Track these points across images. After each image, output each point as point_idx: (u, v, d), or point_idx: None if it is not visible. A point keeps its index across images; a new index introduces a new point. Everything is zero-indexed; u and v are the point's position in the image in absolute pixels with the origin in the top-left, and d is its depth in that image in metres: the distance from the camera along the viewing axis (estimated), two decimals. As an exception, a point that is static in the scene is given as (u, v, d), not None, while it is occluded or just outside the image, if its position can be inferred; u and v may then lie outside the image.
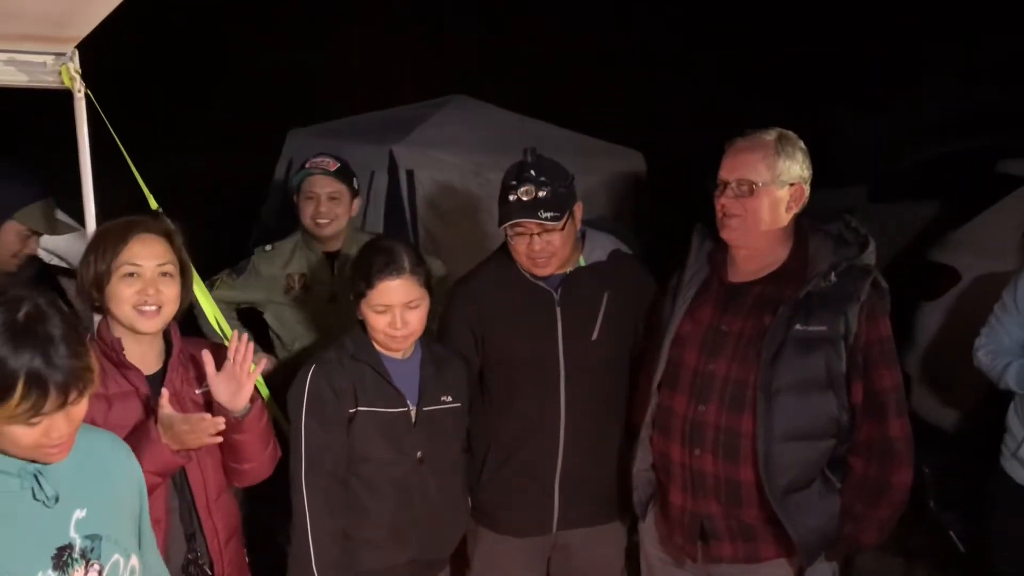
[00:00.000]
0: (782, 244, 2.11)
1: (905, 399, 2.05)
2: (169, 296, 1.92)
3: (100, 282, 1.88)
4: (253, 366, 1.94)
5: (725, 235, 2.10)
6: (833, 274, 2.01)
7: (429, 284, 2.18)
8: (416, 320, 2.13)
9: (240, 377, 1.91)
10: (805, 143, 2.12)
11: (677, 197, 5.09)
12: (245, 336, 1.93)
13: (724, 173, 2.09)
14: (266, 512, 2.44)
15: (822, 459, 2.05)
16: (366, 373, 2.14)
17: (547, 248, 2.23)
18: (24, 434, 1.38)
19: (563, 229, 2.23)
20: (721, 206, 2.09)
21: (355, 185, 3.00)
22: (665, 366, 2.14)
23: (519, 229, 2.23)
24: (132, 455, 1.65)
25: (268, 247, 3.03)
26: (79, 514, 1.48)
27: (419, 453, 2.16)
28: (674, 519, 2.16)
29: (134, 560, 1.56)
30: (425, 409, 2.18)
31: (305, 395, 2.10)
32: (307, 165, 2.97)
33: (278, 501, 2.20)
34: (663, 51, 9.58)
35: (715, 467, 2.05)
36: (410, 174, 4.56)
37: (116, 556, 1.52)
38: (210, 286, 2.84)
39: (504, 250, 2.38)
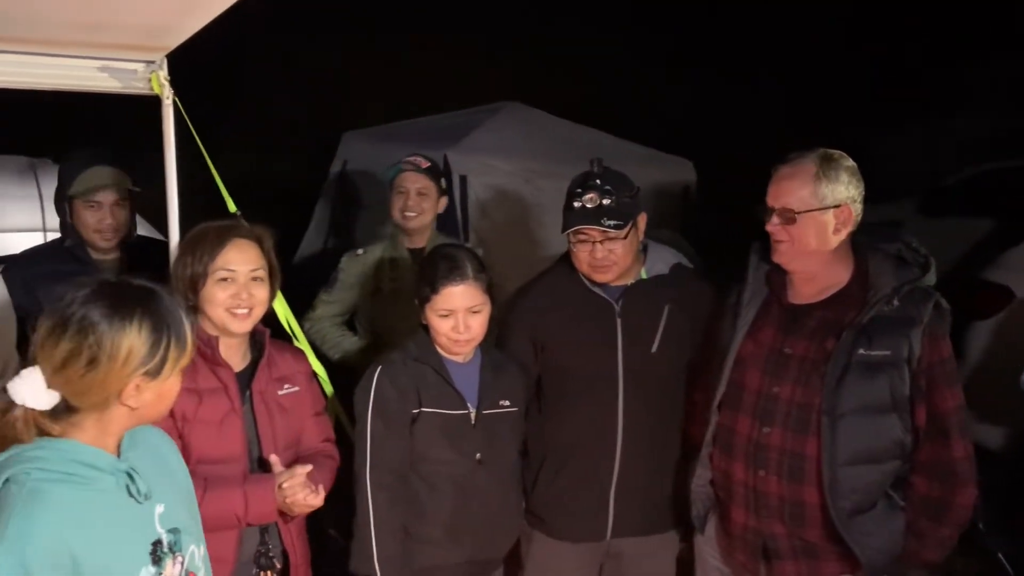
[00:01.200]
0: (840, 265, 2.11)
1: (966, 420, 2.06)
2: (260, 299, 2.02)
3: (196, 283, 1.97)
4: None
5: (776, 259, 2.12)
6: (896, 298, 2.01)
7: (491, 290, 2.24)
8: (478, 325, 2.20)
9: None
10: (855, 157, 2.10)
11: (727, 207, 5.10)
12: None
13: (769, 200, 2.10)
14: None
15: (886, 481, 2.06)
16: (428, 375, 2.21)
17: (609, 256, 2.27)
18: (178, 384, 1.53)
19: (626, 238, 2.27)
20: (770, 232, 2.11)
21: (443, 184, 3.18)
22: (726, 387, 2.16)
23: (582, 236, 2.27)
24: (174, 444, 1.74)
25: (359, 251, 3.21)
26: (160, 509, 1.54)
27: (478, 455, 2.22)
28: (736, 536, 2.18)
29: (203, 548, 1.64)
30: (484, 412, 2.24)
31: (371, 395, 2.18)
32: (401, 163, 3.14)
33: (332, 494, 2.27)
34: (716, 60, 9.55)
35: (779, 488, 2.07)
36: (463, 179, 4.64)
37: (192, 547, 1.59)
38: (314, 319, 3.12)
39: (565, 259, 2.42)
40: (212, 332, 2.03)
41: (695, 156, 5.51)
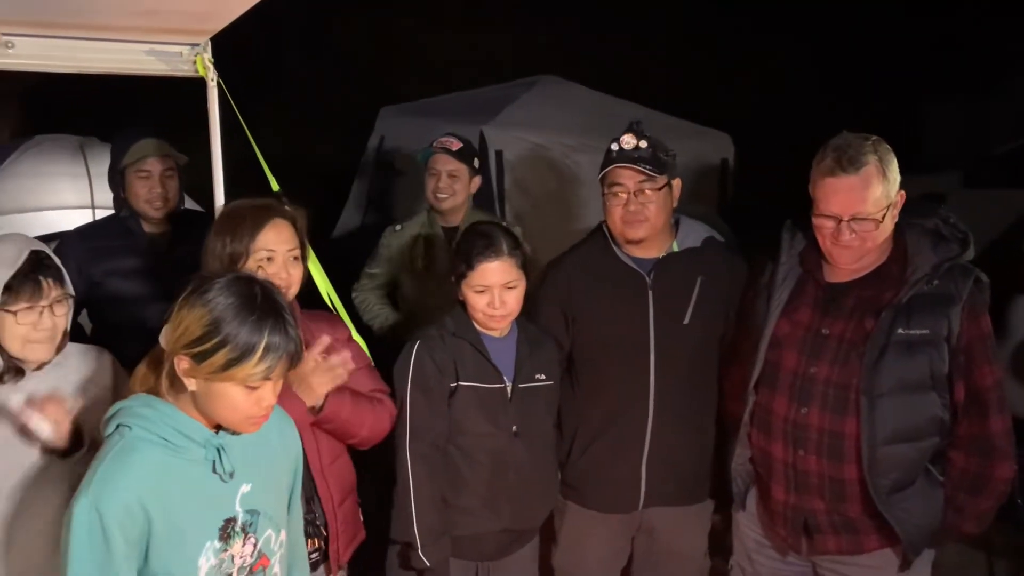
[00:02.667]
0: (882, 245, 2.09)
1: (1005, 394, 2.06)
2: (296, 277, 2.07)
3: (235, 263, 2.01)
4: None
5: (842, 263, 2.07)
6: (936, 277, 2.00)
7: (526, 266, 2.28)
8: (513, 300, 2.24)
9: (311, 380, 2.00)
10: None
11: (765, 180, 5.05)
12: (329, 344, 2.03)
13: (835, 210, 2.01)
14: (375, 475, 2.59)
15: (925, 457, 2.08)
16: (466, 350, 2.26)
17: (642, 211, 2.29)
18: (242, 398, 1.52)
19: (660, 190, 2.28)
20: (834, 239, 2.04)
21: (475, 164, 3.23)
22: (762, 366, 2.16)
23: (616, 188, 2.30)
24: (295, 429, 1.77)
25: (398, 227, 3.31)
26: (244, 488, 1.61)
27: (514, 427, 2.27)
28: (776, 512, 2.20)
29: (283, 534, 1.69)
30: (520, 386, 2.29)
31: (411, 369, 2.24)
32: (433, 144, 3.20)
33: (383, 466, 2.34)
34: (754, 31, 9.38)
35: (819, 467, 2.08)
36: (499, 154, 4.65)
37: (269, 531, 1.65)
38: (360, 289, 3.26)
39: (598, 232, 2.44)
40: None
41: (733, 130, 5.45)
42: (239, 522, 1.60)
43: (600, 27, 9.16)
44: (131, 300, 2.83)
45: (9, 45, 2.08)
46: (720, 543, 2.56)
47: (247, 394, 1.52)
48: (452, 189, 3.15)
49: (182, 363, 1.51)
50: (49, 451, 1.89)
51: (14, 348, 1.87)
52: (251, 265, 2.01)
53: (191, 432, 1.55)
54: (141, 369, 1.62)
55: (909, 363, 2.00)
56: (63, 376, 1.98)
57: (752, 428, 2.21)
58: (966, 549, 3.51)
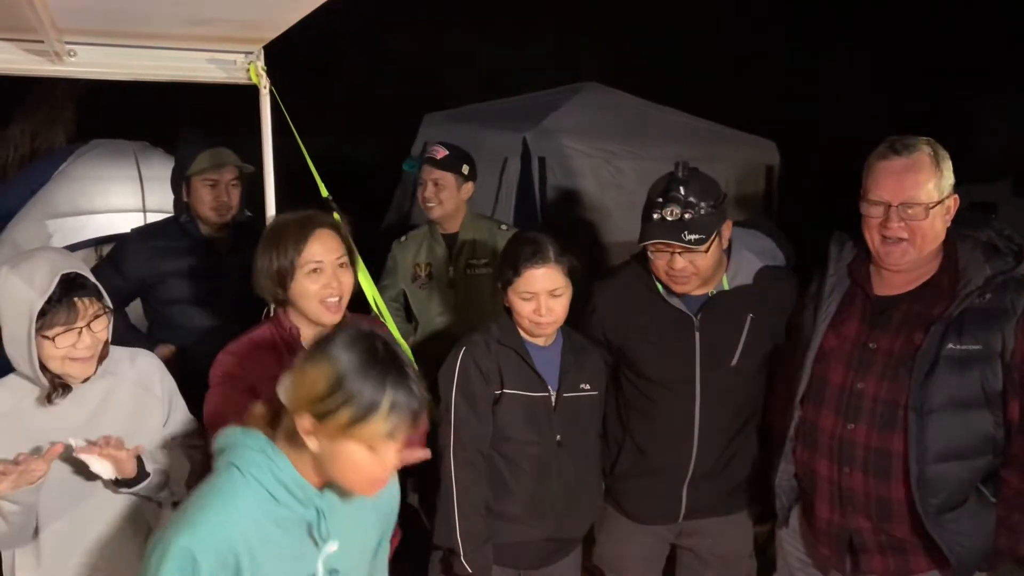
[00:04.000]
0: (932, 255, 2.04)
1: None
2: (347, 285, 2.08)
3: (284, 278, 2.03)
4: None
5: (890, 261, 2.01)
6: (989, 291, 1.94)
7: (573, 274, 2.27)
8: (559, 308, 2.23)
9: None
10: (950, 136, 2.04)
11: (812, 188, 4.99)
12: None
13: (886, 195, 1.97)
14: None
15: (976, 477, 2.02)
16: (511, 357, 2.26)
17: (688, 268, 2.20)
18: (366, 459, 1.48)
19: (707, 251, 2.19)
20: (882, 230, 1.99)
21: (464, 171, 3.22)
22: (809, 380, 2.12)
23: (660, 247, 2.20)
24: (396, 485, 1.74)
25: (403, 238, 3.37)
26: (331, 548, 1.57)
27: (558, 436, 2.26)
28: (820, 530, 2.16)
29: None
30: (565, 395, 2.28)
31: (456, 375, 2.24)
32: (426, 152, 3.27)
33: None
34: (800, 38, 9.28)
35: (865, 485, 2.03)
36: (542, 161, 4.65)
37: None
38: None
39: (641, 259, 2.36)
40: (296, 321, 2.10)
41: (779, 137, 5.40)
42: None
43: (644, 34, 9.13)
44: (186, 301, 2.92)
45: (72, 53, 2.14)
46: (767, 557, 2.52)
47: (370, 455, 1.47)
48: (438, 198, 3.16)
49: (304, 422, 1.47)
50: (115, 482, 1.90)
51: (55, 367, 1.87)
52: (300, 279, 2.02)
53: (297, 490, 1.53)
54: (259, 409, 1.60)
55: (960, 379, 1.94)
56: (112, 385, 1.99)
57: (797, 443, 2.16)
58: (1018, 571, 3.42)
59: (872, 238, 2.02)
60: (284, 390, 1.52)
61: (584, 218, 4.61)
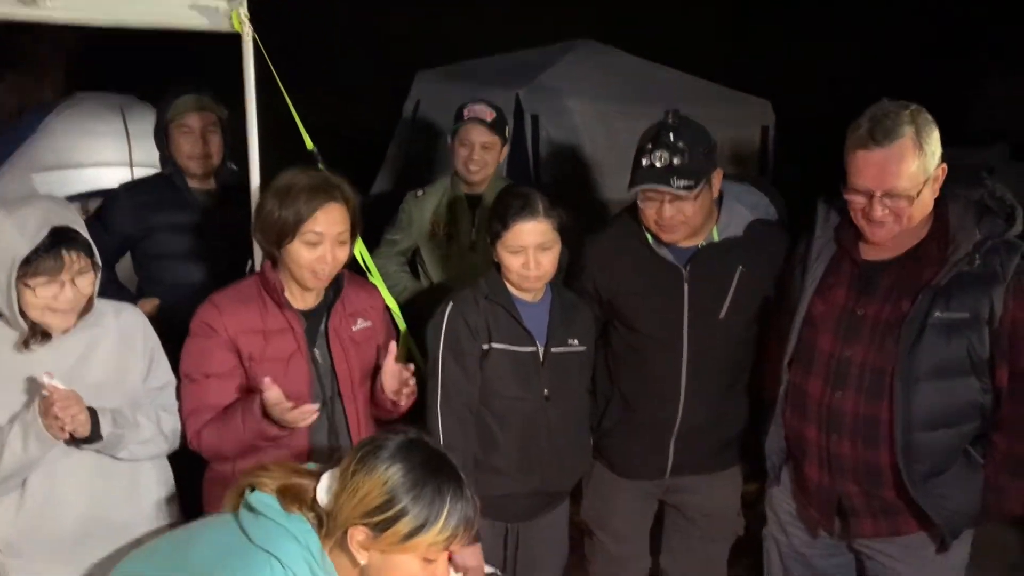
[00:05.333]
0: (922, 220, 1.99)
1: None
2: (341, 260, 2.08)
3: (282, 238, 2.02)
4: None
5: (875, 239, 1.97)
6: (978, 256, 1.91)
7: (562, 229, 2.24)
8: (548, 262, 2.21)
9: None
10: (945, 99, 1.97)
11: (806, 148, 4.95)
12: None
13: (868, 183, 1.91)
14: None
15: (964, 442, 2.01)
16: (499, 313, 2.24)
17: (677, 216, 2.18)
18: (417, 570, 1.46)
19: (696, 198, 2.18)
20: (866, 215, 1.94)
21: (506, 134, 3.11)
22: (796, 346, 2.10)
23: (649, 195, 2.19)
24: None
25: (419, 192, 3.20)
26: None
27: (546, 391, 2.26)
28: (810, 492, 2.16)
29: None
30: (553, 350, 2.27)
31: (443, 331, 2.23)
32: (465, 112, 3.05)
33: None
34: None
35: (853, 452, 2.03)
36: (535, 120, 4.61)
37: None
38: (379, 255, 3.09)
39: (631, 212, 2.35)
40: (284, 280, 2.09)
41: (774, 96, 5.34)
42: None
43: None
44: (176, 256, 2.89)
45: (46, -3, 2.07)
46: (756, 513, 2.53)
47: (424, 567, 1.46)
48: (484, 161, 3.00)
49: (358, 535, 1.45)
50: (71, 442, 1.89)
51: (34, 316, 1.86)
52: (297, 244, 2.01)
53: None
54: (299, 484, 1.56)
55: (947, 347, 1.92)
56: (95, 338, 1.97)
57: (786, 408, 2.16)
58: (1005, 529, 3.46)
59: (856, 217, 1.99)
60: (327, 494, 1.49)
61: (577, 177, 4.57)
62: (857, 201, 1.96)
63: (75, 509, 1.95)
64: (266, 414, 1.94)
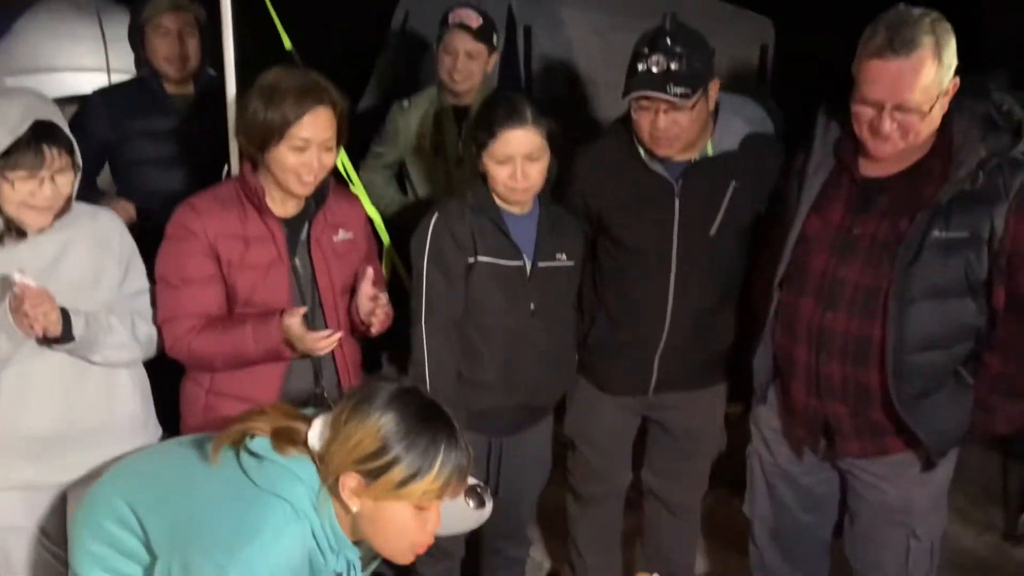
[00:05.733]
0: (926, 136, 1.91)
1: None
2: (327, 166, 2.01)
3: (266, 141, 1.94)
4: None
5: (878, 154, 1.90)
6: (981, 174, 1.84)
7: (552, 139, 2.17)
8: (536, 173, 2.14)
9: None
10: (951, 19, 1.84)
11: (807, 69, 4.82)
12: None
13: (880, 94, 1.82)
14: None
15: (955, 363, 1.99)
16: (485, 225, 2.19)
17: (672, 128, 2.11)
18: (412, 520, 1.46)
19: (693, 108, 2.10)
20: (872, 128, 1.86)
21: (494, 42, 2.98)
22: (789, 264, 2.05)
23: (644, 103, 2.11)
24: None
25: (406, 102, 3.07)
26: None
27: (532, 305, 2.23)
28: (796, 411, 2.14)
29: None
30: (540, 264, 2.23)
31: (427, 242, 2.18)
32: (450, 18, 2.92)
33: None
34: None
35: (843, 372, 2.00)
36: (528, 31, 4.45)
37: None
38: (366, 168, 2.99)
39: (626, 123, 2.27)
40: (265, 182, 2.03)
41: (774, 14, 5.17)
42: None
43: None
44: (153, 162, 2.82)
45: None
46: (740, 433, 2.53)
47: (416, 515, 1.47)
48: (469, 70, 2.86)
49: (350, 481, 1.45)
50: (42, 341, 1.86)
51: (10, 211, 1.83)
52: (282, 148, 1.94)
53: (336, 542, 1.51)
54: (298, 428, 1.56)
55: (944, 267, 1.88)
56: (71, 239, 1.94)
57: (776, 326, 2.12)
58: (982, 451, 3.51)
59: (861, 130, 1.90)
60: (319, 439, 1.49)
61: (570, 93, 4.44)
62: (865, 113, 1.88)
63: (49, 410, 1.93)
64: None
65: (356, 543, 1.56)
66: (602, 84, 4.34)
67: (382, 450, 1.44)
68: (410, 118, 3.02)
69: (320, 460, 1.50)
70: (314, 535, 1.49)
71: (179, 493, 1.57)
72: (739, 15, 5.07)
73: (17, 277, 1.76)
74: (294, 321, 1.93)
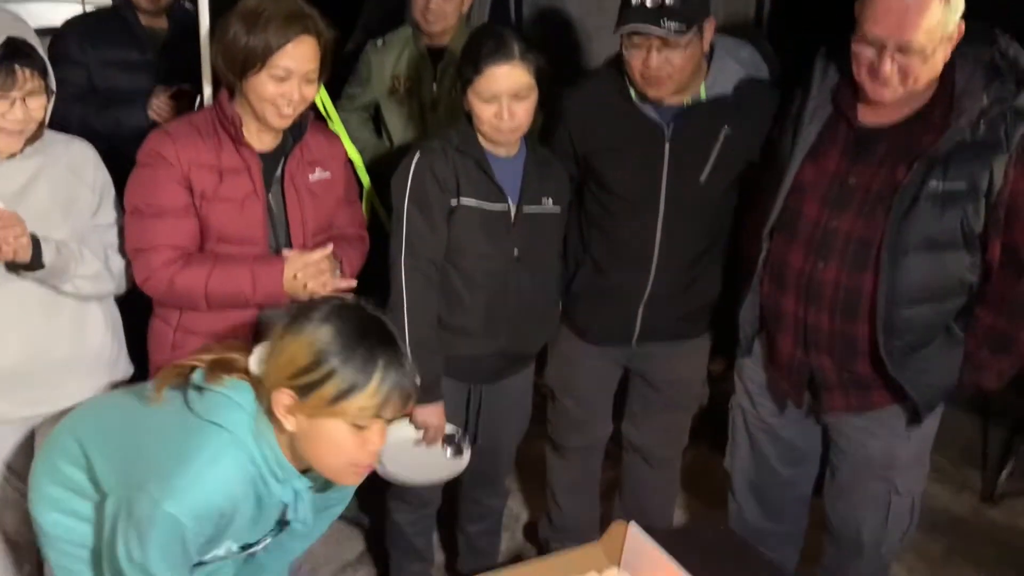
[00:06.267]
0: (927, 83, 1.84)
1: None
2: (308, 97, 1.93)
3: (246, 68, 1.86)
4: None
5: (876, 98, 1.83)
6: (982, 123, 1.78)
7: (541, 75, 2.08)
8: (523, 112, 2.06)
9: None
10: None
11: (805, 20, 4.71)
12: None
13: (883, 31, 1.74)
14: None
15: (947, 318, 1.95)
16: (469, 166, 2.11)
17: (664, 67, 2.03)
18: (349, 438, 1.40)
19: (686, 47, 2.03)
20: (871, 70, 1.79)
21: None
22: (780, 213, 2.00)
23: (636, 40, 2.03)
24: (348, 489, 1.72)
25: (379, 41, 2.93)
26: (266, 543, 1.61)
27: (516, 251, 2.16)
28: (781, 364, 2.10)
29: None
30: (525, 209, 2.16)
31: (409, 182, 2.10)
32: None
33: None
34: None
35: (831, 324, 1.96)
36: (521, -25, 4.32)
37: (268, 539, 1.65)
38: (340, 109, 2.81)
39: (617, 64, 2.19)
40: (241, 110, 1.94)
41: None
42: (264, 543, 1.59)
43: None
44: (127, 93, 2.75)
45: None
46: (722, 388, 2.50)
47: (354, 434, 1.41)
48: (443, 11, 2.70)
49: (284, 398, 1.40)
50: (11, 267, 1.82)
51: None
52: (263, 77, 1.86)
53: (279, 469, 1.47)
54: (239, 355, 1.52)
55: (940, 219, 1.82)
56: (43, 165, 1.89)
57: (765, 276, 2.08)
58: (962, 412, 3.51)
59: (859, 72, 1.83)
60: (258, 363, 1.44)
61: (563, 41, 4.31)
62: (865, 54, 1.81)
63: (16, 341, 1.88)
64: None
65: (305, 472, 1.53)
66: (593, 31, 4.22)
67: (315, 364, 1.38)
68: (384, 58, 2.88)
69: (258, 383, 1.47)
70: (254, 462, 1.46)
71: (125, 431, 1.54)
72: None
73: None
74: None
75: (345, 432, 1.40)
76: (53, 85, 1.83)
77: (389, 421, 1.44)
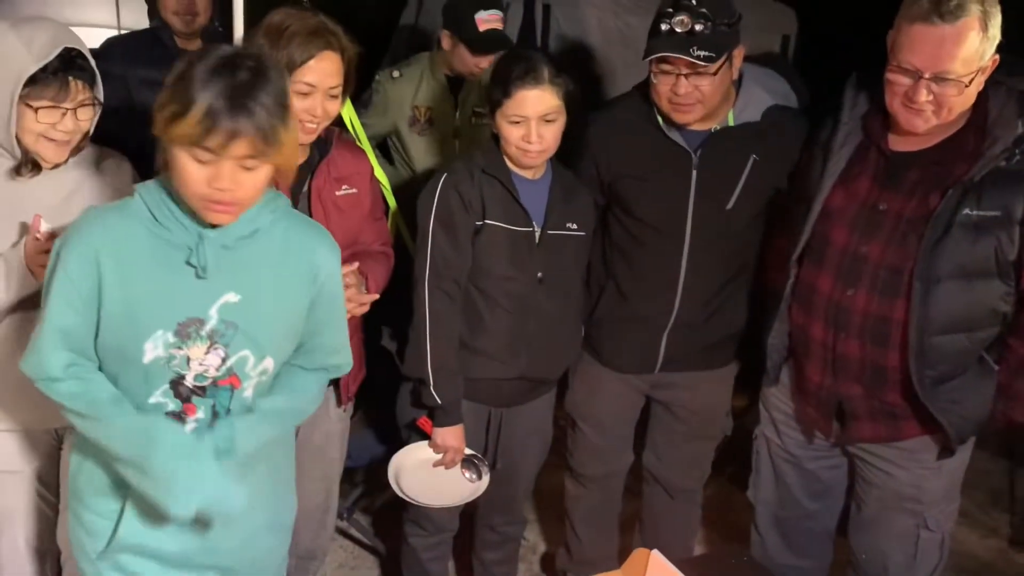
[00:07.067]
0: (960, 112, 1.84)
1: None
2: (332, 113, 1.95)
3: None
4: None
5: (909, 127, 1.82)
6: (1018, 152, 1.76)
7: (569, 99, 2.09)
8: (551, 136, 2.07)
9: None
10: None
11: (830, 63, 4.74)
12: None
13: (920, 62, 1.74)
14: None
15: (980, 347, 1.91)
16: (495, 187, 2.11)
17: (693, 94, 2.03)
18: (193, 170, 1.42)
19: (716, 74, 2.03)
20: (906, 100, 1.78)
21: (503, 6, 2.92)
22: (809, 239, 1.98)
23: (665, 67, 2.04)
24: (333, 252, 1.68)
25: (396, 72, 2.96)
26: (229, 297, 1.52)
27: (539, 274, 2.15)
28: (809, 392, 2.07)
29: (268, 362, 1.59)
30: (549, 232, 2.16)
31: (435, 202, 2.10)
32: (478, 20, 2.76)
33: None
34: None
35: (861, 352, 1.93)
36: (547, 9, 4.38)
37: (247, 351, 1.55)
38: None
39: (644, 89, 2.19)
40: None
41: (797, 3, 5.08)
42: (207, 326, 1.51)
43: None
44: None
45: None
46: (748, 419, 2.46)
47: (198, 168, 1.41)
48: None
49: (156, 130, 1.44)
50: None
51: (28, 142, 1.79)
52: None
53: (181, 215, 1.50)
54: None
55: (973, 247, 1.80)
56: (85, 177, 1.92)
57: (793, 304, 2.05)
58: (989, 456, 3.45)
59: (892, 101, 1.83)
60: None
61: (587, 73, 4.36)
62: (900, 82, 1.80)
63: None
64: None
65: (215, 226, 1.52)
66: (618, 64, 4.27)
67: (169, 92, 1.42)
68: (402, 89, 2.91)
69: None
70: (143, 204, 1.50)
71: None
72: (761, 4, 4.97)
73: (44, 226, 1.73)
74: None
75: (188, 163, 1.41)
76: (100, 97, 1.86)
77: (248, 169, 1.43)
